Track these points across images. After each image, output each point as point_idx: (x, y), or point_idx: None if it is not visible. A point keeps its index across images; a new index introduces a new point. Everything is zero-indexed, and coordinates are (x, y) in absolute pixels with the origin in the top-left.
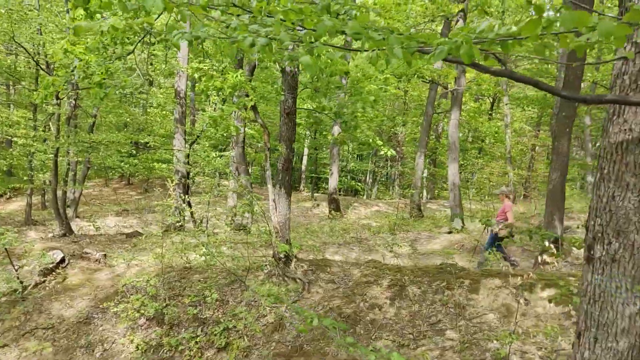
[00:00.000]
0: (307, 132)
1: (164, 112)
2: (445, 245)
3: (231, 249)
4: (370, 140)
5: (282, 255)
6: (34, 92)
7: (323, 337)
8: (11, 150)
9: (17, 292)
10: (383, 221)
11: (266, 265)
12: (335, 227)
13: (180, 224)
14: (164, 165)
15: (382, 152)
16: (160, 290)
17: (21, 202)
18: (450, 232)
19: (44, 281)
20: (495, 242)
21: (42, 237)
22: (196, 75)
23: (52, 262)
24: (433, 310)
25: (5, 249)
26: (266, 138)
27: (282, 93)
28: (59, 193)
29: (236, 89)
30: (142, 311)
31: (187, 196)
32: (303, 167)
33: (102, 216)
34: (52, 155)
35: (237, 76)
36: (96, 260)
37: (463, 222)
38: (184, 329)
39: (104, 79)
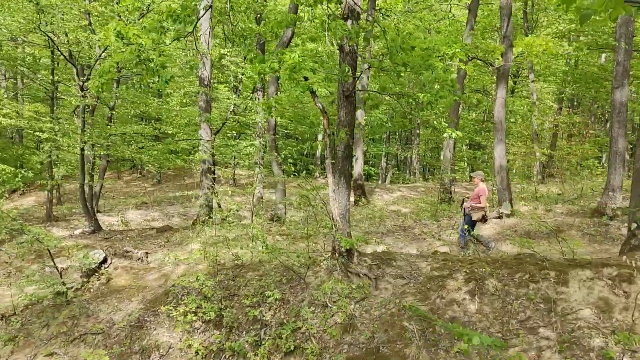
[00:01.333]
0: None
1: (184, 100)
2: (497, 231)
3: (274, 242)
4: (436, 122)
5: (343, 250)
6: (91, 81)
7: (401, 337)
8: (23, 144)
9: (63, 295)
10: (411, 206)
11: (325, 260)
12: (368, 214)
13: (209, 216)
14: (185, 156)
15: (445, 135)
16: (214, 291)
17: (34, 197)
18: (499, 217)
19: (87, 283)
20: (474, 225)
21: (71, 235)
22: (223, 61)
23: (95, 263)
24: (520, 306)
25: (49, 250)
26: (326, 123)
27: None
28: (85, 188)
29: (296, 70)
30: (200, 314)
31: (214, 187)
32: (317, 153)
33: (122, 210)
34: (79, 149)
35: (295, 57)
36: (138, 259)
37: (512, 206)
38: (244, 332)
39: (163, 64)
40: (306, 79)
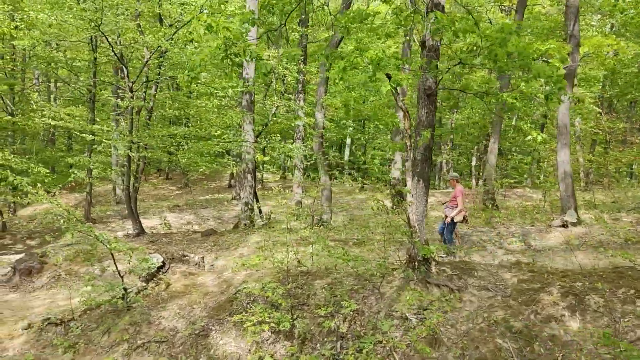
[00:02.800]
0: (349, 121)
1: (222, 101)
2: (564, 240)
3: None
4: (523, 124)
5: (421, 258)
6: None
7: (495, 356)
8: (55, 146)
9: (123, 300)
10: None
11: (398, 269)
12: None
13: (251, 220)
14: (222, 159)
15: (528, 137)
16: (284, 299)
17: (63, 200)
18: (564, 226)
19: (145, 288)
20: (455, 226)
21: (115, 238)
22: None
23: (154, 267)
24: (629, 325)
25: (112, 253)
26: (407, 124)
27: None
28: (120, 190)
29: (380, 67)
30: (272, 324)
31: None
32: (346, 158)
33: (157, 213)
34: (124, 151)
35: (380, 52)
36: (196, 264)
37: (578, 215)
38: (319, 344)
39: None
40: (389, 76)
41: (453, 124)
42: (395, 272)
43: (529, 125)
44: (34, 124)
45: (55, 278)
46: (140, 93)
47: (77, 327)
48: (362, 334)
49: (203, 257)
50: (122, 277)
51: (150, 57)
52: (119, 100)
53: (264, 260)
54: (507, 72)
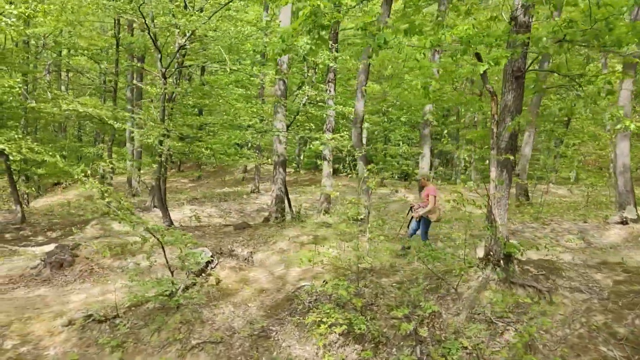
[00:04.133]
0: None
1: (249, 91)
2: (625, 237)
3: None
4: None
5: (502, 256)
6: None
7: None
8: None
9: (173, 296)
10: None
11: (472, 266)
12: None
13: (282, 213)
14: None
15: (619, 126)
16: (355, 298)
17: (77, 191)
18: (622, 223)
19: (194, 284)
20: (429, 226)
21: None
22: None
23: (204, 262)
24: None
25: (162, 246)
26: (495, 108)
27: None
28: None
29: (471, 44)
30: (345, 325)
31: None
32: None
33: (176, 206)
34: (156, 140)
35: (471, 28)
36: (245, 259)
37: (637, 211)
38: (395, 349)
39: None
40: (478, 56)
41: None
42: (471, 270)
43: (617, 110)
44: (59, 112)
45: (88, 272)
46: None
47: (124, 325)
48: (443, 338)
49: (251, 252)
50: (172, 272)
51: (185, 41)
52: (147, 86)
53: (317, 255)
54: (619, 49)
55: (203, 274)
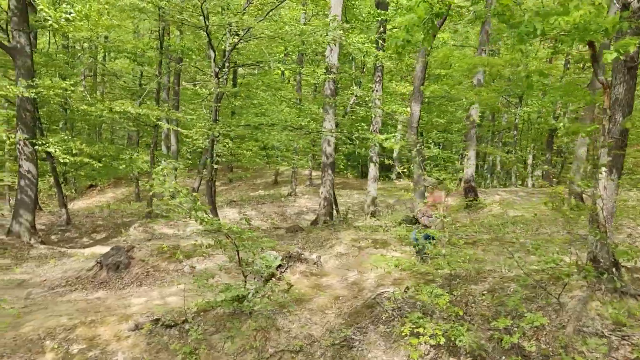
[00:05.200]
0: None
1: (280, 92)
2: None
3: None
4: None
5: (609, 263)
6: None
7: None
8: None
9: (244, 302)
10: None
11: (570, 274)
12: (488, 219)
13: (330, 216)
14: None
15: None
16: (452, 306)
17: (111, 194)
18: None
19: (264, 288)
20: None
21: (197, 231)
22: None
23: (275, 265)
24: None
25: (237, 250)
26: (607, 102)
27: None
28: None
29: (587, 32)
30: (440, 336)
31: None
32: (395, 154)
33: (217, 208)
34: (209, 142)
35: (587, 13)
36: (314, 263)
37: None
38: None
39: None
40: (591, 44)
41: None
42: (570, 278)
43: None
44: (110, 114)
45: (144, 274)
46: (222, 79)
47: (195, 330)
48: (551, 353)
49: (320, 256)
50: (245, 276)
51: (240, 39)
52: (198, 87)
53: (389, 260)
54: None
55: (273, 278)
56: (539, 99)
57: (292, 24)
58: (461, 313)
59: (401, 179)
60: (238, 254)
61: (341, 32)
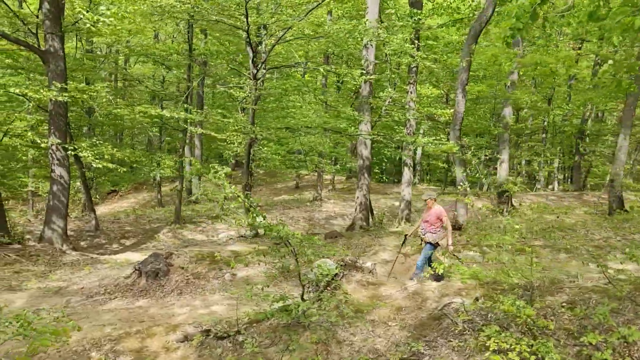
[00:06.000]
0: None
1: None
2: None
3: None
4: None
5: None
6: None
7: None
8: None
9: (299, 312)
10: (571, 217)
11: None
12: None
13: (366, 221)
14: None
15: None
16: (541, 320)
17: (133, 199)
18: None
19: (320, 298)
20: (432, 252)
21: (231, 238)
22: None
23: (332, 274)
24: None
25: (296, 258)
26: None
27: None
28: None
29: None
30: (525, 353)
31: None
32: (418, 158)
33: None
34: (245, 146)
35: None
36: (370, 272)
37: None
38: None
39: None
40: None
41: None
42: None
43: None
44: (142, 118)
45: (184, 282)
46: (259, 81)
47: (249, 343)
48: None
49: (375, 264)
50: (303, 285)
51: (279, 39)
52: (231, 90)
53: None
54: None
55: (328, 288)
56: (566, 101)
57: (329, 24)
58: (552, 327)
59: (424, 184)
60: (297, 262)
61: (381, 30)
